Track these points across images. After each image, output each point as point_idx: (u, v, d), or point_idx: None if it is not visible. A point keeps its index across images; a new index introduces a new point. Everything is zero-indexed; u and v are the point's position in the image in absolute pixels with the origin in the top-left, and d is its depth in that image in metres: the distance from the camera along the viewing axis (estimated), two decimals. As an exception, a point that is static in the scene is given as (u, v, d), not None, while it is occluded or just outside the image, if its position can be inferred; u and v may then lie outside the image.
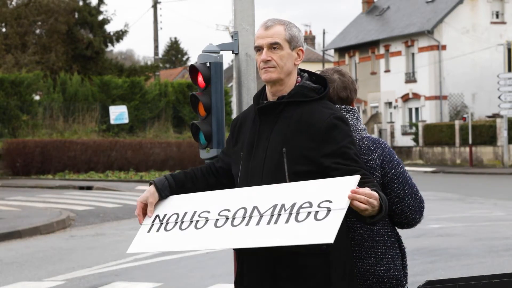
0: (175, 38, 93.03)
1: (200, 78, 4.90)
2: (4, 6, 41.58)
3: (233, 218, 3.48)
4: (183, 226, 3.61)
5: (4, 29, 42.42)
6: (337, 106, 3.82)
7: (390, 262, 3.81)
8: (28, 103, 35.30)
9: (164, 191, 3.77)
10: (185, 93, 39.77)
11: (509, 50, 39.27)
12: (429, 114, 48.05)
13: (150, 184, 3.79)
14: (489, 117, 44.49)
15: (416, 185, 3.90)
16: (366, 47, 53.55)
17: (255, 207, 3.45)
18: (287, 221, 3.32)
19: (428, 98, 48.24)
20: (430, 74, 47.81)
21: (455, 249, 12.10)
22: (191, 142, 33.21)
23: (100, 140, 33.50)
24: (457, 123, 42.64)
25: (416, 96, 49.25)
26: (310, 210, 3.30)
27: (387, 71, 51.60)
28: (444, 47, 47.42)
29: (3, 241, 13.88)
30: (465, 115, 41.59)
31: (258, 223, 3.39)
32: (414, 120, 49.05)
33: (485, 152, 40.40)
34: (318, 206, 3.29)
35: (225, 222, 3.49)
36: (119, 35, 44.28)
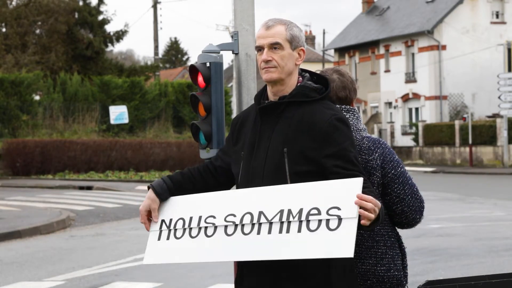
0: (175, 38, 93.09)
1: (200, 78, 4.90)
2: (4, 6, 41.59)
3: (242, 224, 3.48)
4: (193, 233, 3.61)
5: (4, 29, 42.42)
6: (336, 106, 3.82)
7: (390, 262, 3.81)
8: (28, 103, 35.30)
9: (164, 194, 3.76)
10: (185, 93, 39.77)
11: (509, 50, 39.27)
12: (429, 114, 48.06)
13: (148, 188, 3.78)
14: (489, 117, 44.49)
15: (416, 185, 3.90)
16: (366, 47, 53.56)
17: (261, 212, 3.45)
18: (299, 230, 3.34)
19: (428, 98, 48.24)
20: (430, 74, 47.81)
21: (455, 249, 12.11)
22: (191, 142, 33.21)
23: (100, 140, 33.50)
24: (457, 123, 42.64)
25: (416, 96, 49.26)
26: (320, 218, 3.31)
27: (387, 71, 51.60)
28: (444, 47, 47.43)
29: (3, 241, 13.88)
30: (465, 115, 41.59)
31: (269, 232, 3.40)
32: (414, 120, 49.06)
33: (485, 152, 40.40)
34: (327, 213, 3.31)
35: (235, 229, 3.49)
36: (119, 35, 44.28)
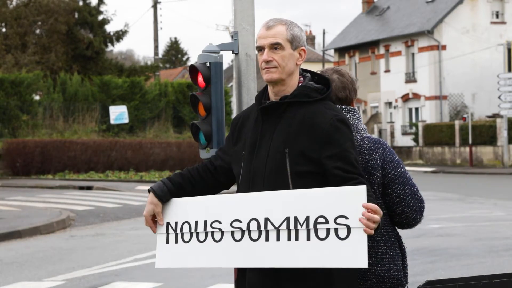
0: (175, 38, 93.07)
1: (200, 78, 4.90)
2: (4, 6, 41.58)
3: (249, 231, 3.50)
4: (200, 238, 3.64)
5: (4, 29, 42.41)
6: (337, 106, 3.82)
7: (390, 262, 3.81)
8: (28, 103, 35.29)
9: (165, 197, 3.76)
10: (185, 93, 39.77)
11: (509, 50, 39.27)
12: (429, 114, 48.05)
13: (149, 191, 3.78)
14: (489, 117, 44.49)
15: (416, 186, 3.90)
16: (366, 47, 53.55)
17: (267, 219, 3.47)
18: (308, 238, 3.37)
19: (428, 98, 48.24)
20: (430, 74, 47.81)
21: (455, 249, 12.10)
22: (191, 142, 33.20)
23: (100, 140, 33.50)
24: (457, 123, 42.64)
25: (416, 96, 49.25)
26: (329, 227, 3.35)
27: (387, 71, 51.59)
28: (444, 47, 47.42)
29: (3, 241, 13.88)
30: (465, 115, 41.59)
31: (278, 239, 3.43)
32: (414, 120, 49.05)
33: (485, 152, 40.40)
34: (335, 222, 3.34)
35: (242, 235, 3.52)
36: (119, 35, 44.28)
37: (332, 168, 3.48)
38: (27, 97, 35.30)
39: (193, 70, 4.92)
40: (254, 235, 3.49)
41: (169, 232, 3.74)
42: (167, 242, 3.74)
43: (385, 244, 3.82)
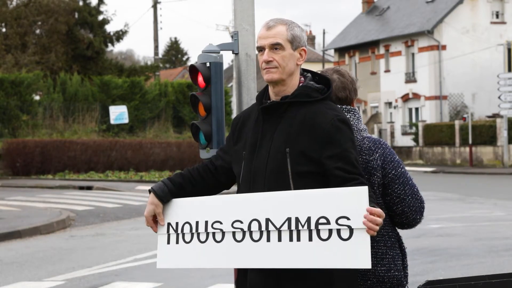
0: (175, 38, 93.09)
1: (200, 78, 4.90)
2: (4, 6, 41.58)
3: (250, 231, 3.51)
4: (201, 238, 3.64)
5: (4, 29, 42.41)
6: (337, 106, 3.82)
7: (390, 262, 3.81)
8: (28, 103, 35.29)
9: (166, 197, 3.76)
10: (185, 93, 39.76)
11: (509, 50, 39.26)
12: (429, 114, 48.05)
13: (150, 192, 3.78)
14: (489, 117, 44.49)
15: (416, 186, 3.90)
16: (366, 47, 53.55)
17: (268, 220, 3.47)
18: (310, 239, 3.37)
19: (428, 98, 48.24)
20: (430, 74, 47.81)
21: (455, 249, 12.10)
22: (191, 142, 33.20)
23: (100, 140, 33.50)
24: (457, 123, 42.64)
25: (416, 96, 49.25)
26: (330, 228, 3.35)
27: (387, 71, 51.60)
28: (444, 47, 47.42)
29: (3, 241, 13.88)
30: (465, 115, 41.59)
31: (280, 240, 3.43)
32: (414, 120, 49.05)
33: (485, 152, 40.40)
34: (337, 223, 3.34)
35: (243, 236, 3.52)
36: (119, 35, 44.28)
37: (332, 168, 3.48)
38: (27, 97, 35.30)
39: (193, 70, 4.92)
40: (255, 235, 3.49)
41: (170, 232, 3.74)
42: (168, 243, 3.74)
43: (385, 244, 3.82)
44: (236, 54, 5.00)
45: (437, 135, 43.96)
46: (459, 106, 47.82)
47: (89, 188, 27.06)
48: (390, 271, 3.80)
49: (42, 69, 39.51)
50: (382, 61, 52.21)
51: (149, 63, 52.31)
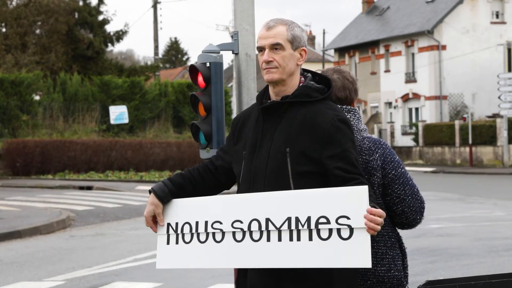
0: (175, 38, 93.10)
1: (200, 78, 4.90)
2: (4, 6, 41.57)
3: (250, 231, 3.51)
4: (201, 238, 3.64)
5: (4, 29, 42.41)
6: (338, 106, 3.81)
7: (390, 263, 3.81)
8: (28, 103, 35.29)
9: (166, 197, 3.76)
10: (185, 93, 39.76)
11: (509, 50, 39.26)
12: (429, 114, 48.05)
13: (150, 192, 3.78)
14: (489, 117, 44.49)
15: (416, 186, 3.90)
16: (366, 47, 53.55)
17: (268, 219, 3.48)
18: (310, 239, 3.37)
19: (428, 98, 48.24)
20: (430, 74, 47.81)
21: (455, 249, 12.10)
22: (191, 142, 33.20)
23: (100, 140, 33.50)
24: (457, 123, 42.64)
25: (416, 96, 49.25)
26: (330, 227, 3.35)
27: (387, 71, 51.60)
28: (444, 47, 47.42)
29: (3, 241, 13.88)
30: (465, 115, 41.59)
31: (280, 239, 3.43)
32: (414, 120, 49.05)
33: (485, 152, 40.40)
34: (337, 222, 3.34)
35: (243, 236, 3.52)
36: (119, 35, 44.28)
37: (333, 168, 3.48)
38: (27, 97, 35.30)
39: (193, 70, 4.92)
40: (255, 235, 3.49)
41: (169, 232, 3.74)
42: (168, 243, 3.74)
43: (385, 244, 3.82)
44: (236, 54, 5.00)
45: (437, 135, 43.96)
46: (459, 106, 47.83)
47: (89, 188, 27.06)
48: (390, 271, 3.80)
49: (42, 69, 39.51)
50: (382, 61, 52.21)
51: (149, 63, 52.31)
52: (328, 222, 3.35)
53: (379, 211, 3.32)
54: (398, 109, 50.96)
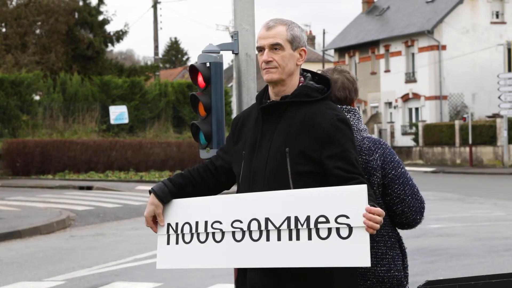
0: (175, 38, 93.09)
1: (200, 78, 4.90)
2: (4, 6, 41.57)
3: (250, 231, 3.51)
4: (201, 238, 3.65)
5: (4, 29, 42.41)
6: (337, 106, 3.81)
7: (390, 263, 3.81)
8: (28, 103, 35.29)
9: (166, 198, 3.76)
10: (185, 93, 39.76)
11: (509, 50, 39.26)
12: (429, 114, 48.05)
13: (150, 193, 3.78)
14: (489, 117, 44.48)
15: (416, 186, 3.90)
16: (366, 47, 53.55)
17: (267, 219, 3.48)
18: (309, 238, 3.38)
19: (428, 98, 48.24)
20: (430, 74, 47.81)
21: (455, 249, 12.10)
22: (191, 142, 33.20)
23: (100, 140, 33.50)
24: (457, 123, 42.64)
25: (416, 96, 49.25)
26: (330, 226, 3.35)
27: (387, 71, 51.60)
28: (444, 47, 47.42)
29: (3, 241, 13.88)
30: (465, 115, 41.59)
31: (279, 239, 3.44)
32: (414, 120, 49.05)
33: (485, 152, 40.40)
34: (336, 221, 3.35)
35: (243, 236, 3.52)
36: (119, 35, 44.28)
37: (332, 168, 3.48)
38: (27, 97, 35.30)
39: (193, 70, 4.92)
40: (255, 235, 3.49)
41: (170, 233, 3.74)
42: (168, 243, 3.74)
43: (385, 244, 3.82)
44: (236, 54, 5.00)
45: (437, 135, 43.96)
46: (459, 106, 47.82)
47: (89, 188, 27.06)
48: (390, 271, 3.80)
49: (42, 69, 39.51)
50: (382, 61, 52.21)
51: (149, 63, 52.31)
52: (327, 221, 3.35)
53: (378, 210, 3.31)
54: (398, 109, 50.96)
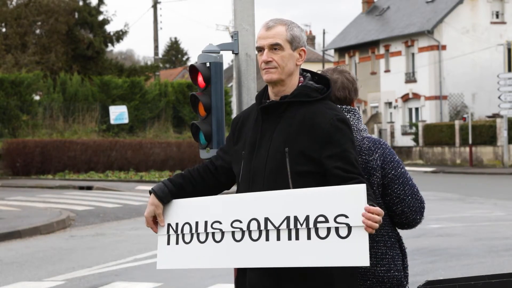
0: (175, 38, 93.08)
1: (200, 78, 4.90)
2: (4, 6, 41.57)
3: (249, 231, 3.51)
4: (201, 238, 3.65)
5: (4, 29, 42.40)
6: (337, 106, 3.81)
7: (390, 263, 3.81)
8: (28, 103, 35.29)
9: (166, 198, 3.76)
10: (185, 93, 39.76)
11: (509, 50, 39.26)
12: (429, 114, 48.05)
13: (150, 193, 3.78)
14: (489, 117, 44.48)
15: (416, 186, 3.89)
16: (366, 47, 53.55)
17: (267, 219, 3.48)
18: (309, 237, 3.38)
19: (428, 98, 48.24)
20: (430, 74, 47.81)
21: (455, 249, 12.10)
22: (191, 142, 33.20)
23: (100, 140, 33.50)
24: (457, 123, 42.64)
25: (416, 96, 49.25)
26: (329, 226, 3.35)
27: (387, 71, 51.60)
28: (444, 47, 47.42)
29: (3, 241, 13.88)
30: (465, 115, 41.59)
31: (278, 238, 3.44)
32: (414, 120, 49.05)
33: (485, 152, 40.40)
34: (335, 221, 3.35)
35: (243, 236, 3.53)
36: (119, 35, 44.27)
37: (332, 168, 3.48)
38: (27, 97, 35.30)
39: (193, 70, 4.92)
40: (255, 235, 3.49)
41: (170, 233, 3.75)
42: (168, 243, 3.74)
43: (385, 244, 3.82)
44: (236, 54, 5.00)
45: (437, 135, 43.96)
46: (459, 106, 47.82)
47: (89, 188, 27.06)
48: (390, 271, 3.80)
49: (42, 69, 39.51)
50: (382, 61, 52.21)
51: (149, 63, 52.30)
52: (327, 220, 3.35)
53: (377, 209, 3.31)
54: (398, 109, 50.96)
